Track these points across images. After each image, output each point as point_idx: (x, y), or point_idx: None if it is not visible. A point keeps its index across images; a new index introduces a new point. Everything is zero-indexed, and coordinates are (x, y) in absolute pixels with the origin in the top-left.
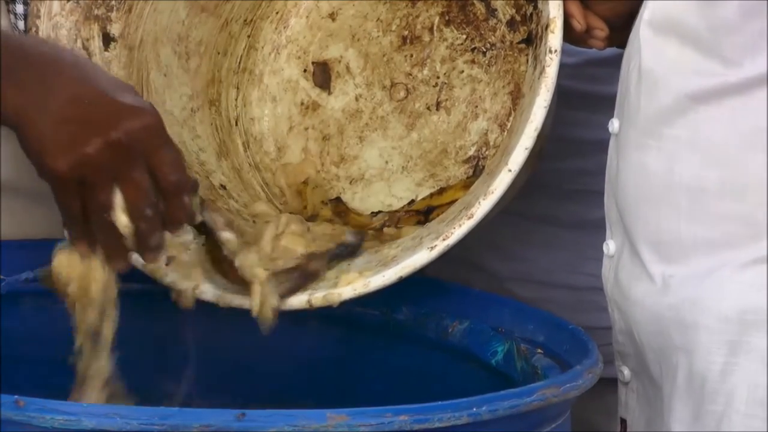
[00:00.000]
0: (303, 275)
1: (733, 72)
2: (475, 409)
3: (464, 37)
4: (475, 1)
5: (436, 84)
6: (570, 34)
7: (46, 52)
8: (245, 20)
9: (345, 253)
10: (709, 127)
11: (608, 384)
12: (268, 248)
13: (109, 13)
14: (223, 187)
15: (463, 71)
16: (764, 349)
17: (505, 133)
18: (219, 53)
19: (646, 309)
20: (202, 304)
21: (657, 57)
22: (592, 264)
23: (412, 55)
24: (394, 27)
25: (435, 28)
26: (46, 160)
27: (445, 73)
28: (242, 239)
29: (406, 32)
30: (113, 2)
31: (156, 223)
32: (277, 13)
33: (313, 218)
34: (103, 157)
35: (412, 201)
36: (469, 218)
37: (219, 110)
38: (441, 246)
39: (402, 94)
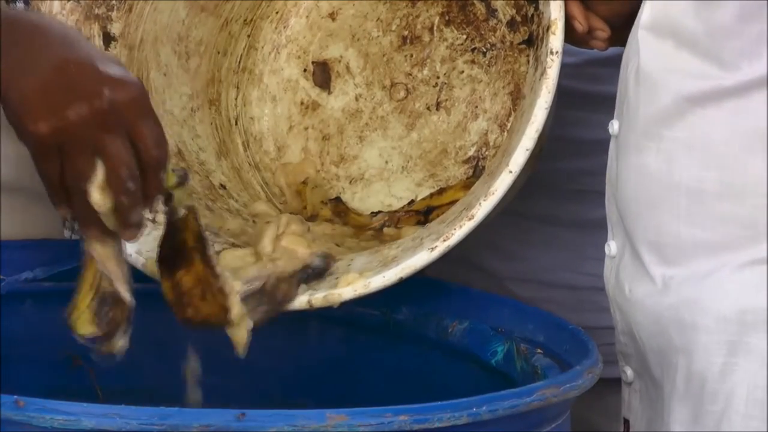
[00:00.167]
0: (273, 300)
1: (731, 75)
2: (475, 409)
3: (464, 37)
4: (475, 2)
5: (436, 84)
6: (572, 36)
7: (35, 20)
8: (245, 20)
9: (312, 276)
10: (708, 129)
11: (608, 384)
12: (269, 249)
13: (110, 13)
14: (223, 186)
15: (463, 71)
16: (764, 349)
17: (505, 133)
18: (219, 53)
19: (646, 310)
20: None
21: (655, 59)
22: (592, 264)
23: (412, 55)
24: (394, 27)
25: (435, 28)
26: (27, 123)
27: (445, 73)
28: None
29: (406, 32)
30: (114, 2)
31: (137, 197)
32: (277, 12)
33: (313, 218)
34: (84, 124)
35: (412, 201)
36: (470, 219)
37: (219, 110)
38: (441, 247)
39: (402, 94)
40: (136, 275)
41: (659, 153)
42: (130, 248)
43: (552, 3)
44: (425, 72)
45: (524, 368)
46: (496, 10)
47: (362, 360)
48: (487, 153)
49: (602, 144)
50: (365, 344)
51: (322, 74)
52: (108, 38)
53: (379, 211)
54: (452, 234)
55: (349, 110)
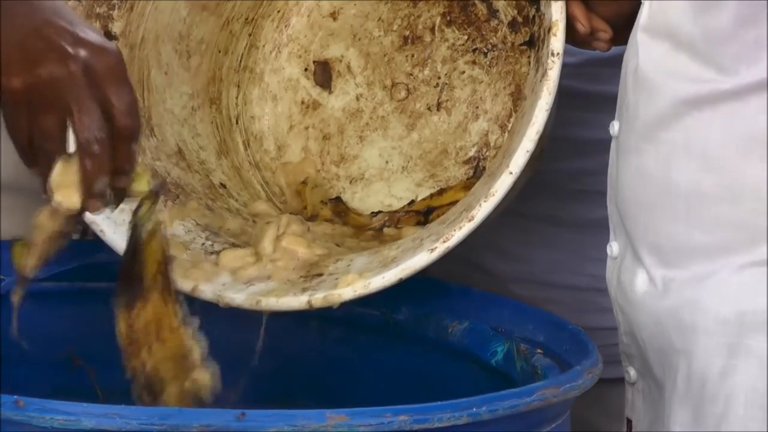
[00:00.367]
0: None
1: (728, 79)
2: (474, 409)
3: (465, 37)
4: (477, 2)
5: (437, 84)
6: (574, 37)
7: None
8: (246, 19)
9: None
10: (705, 132)
11: (608, 385)
12: (269, 249)
13: (111, 12)
14: (223, 185)
15: (464, 72)
16: (763, 351)
17: (506, 134)
18: (220, 52)
19: (647, 311)
20: (202, 304)
21: (653, 61)
22: (593, 264)
23: (413, 55)
24: (395, 27)
25: (436, 28)
26: (3, 77)
27: (446, 74)
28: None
29: (407, 32)
30: (115, 1)
31: (103, 164)
32: (278, 11)
33: (313, 218)
34: (55, 82)
35: (412, 201)
36: (470, 221)
37: (219, 109)
38: (441, 248)
39: (403, 94)
40: None
41: (657, 155)
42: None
43: (553, 4)
44: (426, 72)
45: (524, 368)
46: (498, 11)
47: (362, 360)
48: (487, 154)
49: (603, 144)
50: (365, 344)
51: (323, 74)
52: (109, 37)
53: (379, 211)
54: (452, 235)
55: (350, 110)
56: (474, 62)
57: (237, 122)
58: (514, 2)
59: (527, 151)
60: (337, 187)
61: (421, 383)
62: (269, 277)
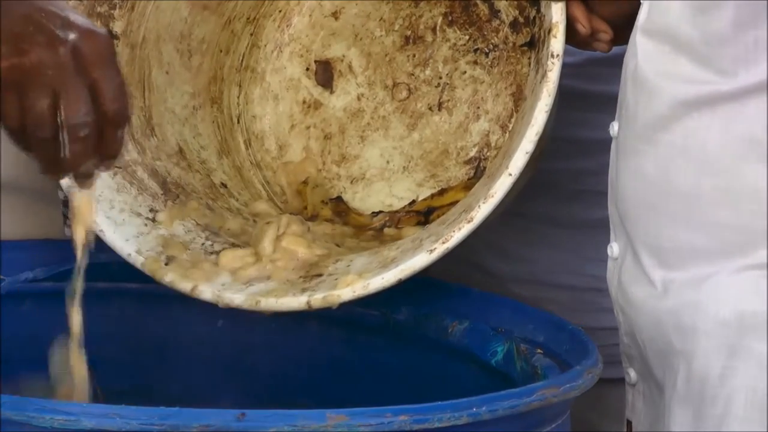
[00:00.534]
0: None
1: (727, 81)
2: (474, 409)
3: (467, 37)
4: (478, 2)
5: (438, 84)
6: (574, 38)
7: None
8: (248, 18)
9: None
10: (703, 134)
11: (608, 385)
12: (269, 249)
13: (112, 11)
14: (224, 185)
15: (465, 72)
16: (763, 353)
17: (507, 134)
18: (221, 51)
19: (647, 313)
20: (202, 304)
21: (652, 63)
22: (593, 264)
23: (414, 55)
24: (396, 27)
25: (438, 28)
26: None
27: (447, 74)
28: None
29: (408, 32)
30: (116, 0)
31: (89, 147)
32: (279, 11)
33: (313, 218)
34: (44, 65)
35: (413, 201)
36: (469, 222)
37: (221, 108)
38: (440, 249)
39: (404, 94)
40: (136, 275)
41: (657, 157)
42: (129, 248)
43: (553, 5)
44: (427, 72)
45: (524, 368)
46: (499, 11)
47: (362, 360)
48: (488, 154)
49: (604, 144)
50: (365, 344)
51: (325, 73)
52: (110, 36)
53: (380, 211)
54: (451, 236)
55: (351, 110)
56: (475, 62)
57: (238, 122)
58: (516, 3)
59: (526, 153)
60: (338, 186)
61: (421, 383)
62: (269, 277)
